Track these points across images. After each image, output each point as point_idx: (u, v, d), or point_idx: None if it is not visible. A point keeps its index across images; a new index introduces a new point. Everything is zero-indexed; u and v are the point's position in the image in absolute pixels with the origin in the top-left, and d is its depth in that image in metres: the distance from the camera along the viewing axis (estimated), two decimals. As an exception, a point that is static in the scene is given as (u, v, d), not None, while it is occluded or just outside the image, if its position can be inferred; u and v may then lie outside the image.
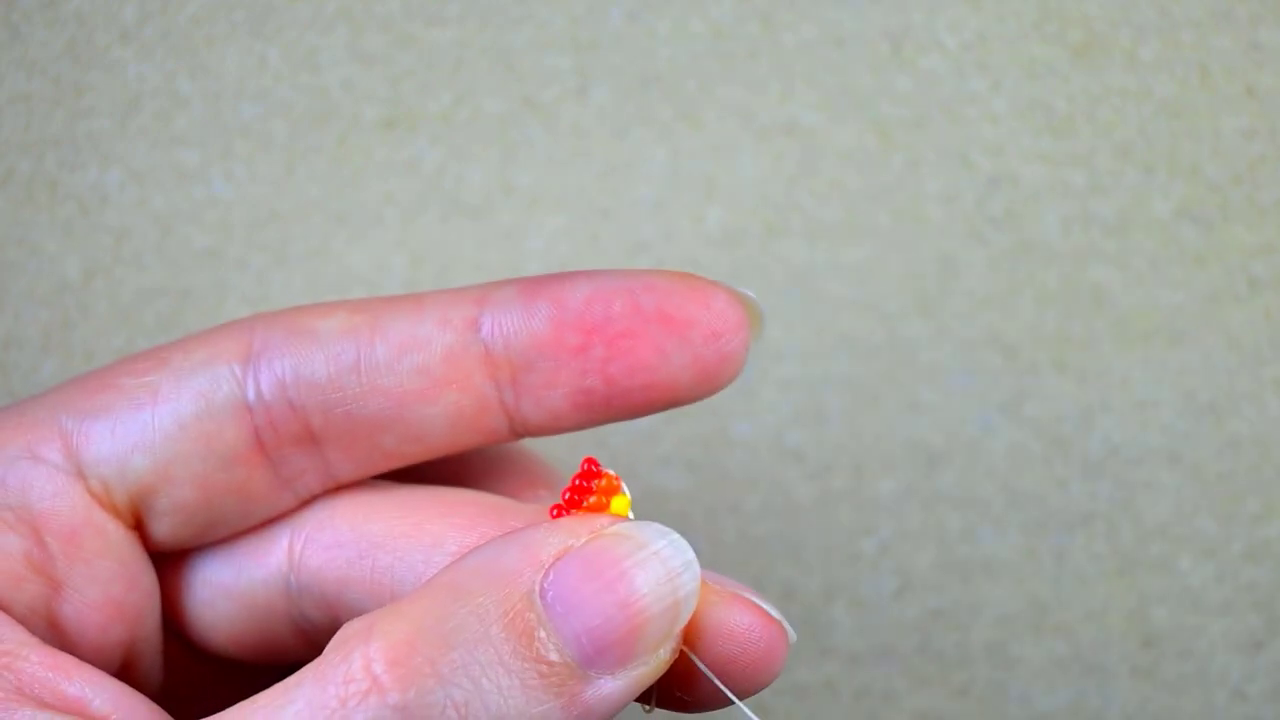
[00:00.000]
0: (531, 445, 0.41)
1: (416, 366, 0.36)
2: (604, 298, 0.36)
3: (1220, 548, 0.53)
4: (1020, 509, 0.53)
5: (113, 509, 0.36)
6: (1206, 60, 0.52)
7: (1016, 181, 0.52)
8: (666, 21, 0.52)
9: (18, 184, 0.52)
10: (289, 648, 0.38)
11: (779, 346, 0.53)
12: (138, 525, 0.37)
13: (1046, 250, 0.52)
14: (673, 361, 0.36)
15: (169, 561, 0.38)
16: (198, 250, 0.52)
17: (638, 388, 0.36)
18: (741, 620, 0.34)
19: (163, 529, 0.37)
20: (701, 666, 0.34)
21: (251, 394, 0.36)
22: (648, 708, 0.35)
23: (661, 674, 0.33)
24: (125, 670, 0.37)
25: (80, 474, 0.36)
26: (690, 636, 0.34)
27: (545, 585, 0.32)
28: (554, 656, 0.32)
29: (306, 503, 0.38)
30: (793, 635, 0.35)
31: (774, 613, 0.34)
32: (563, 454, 0.43)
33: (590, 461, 0.35)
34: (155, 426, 0.36)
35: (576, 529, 0.33)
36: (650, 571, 0.32)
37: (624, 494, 0.34)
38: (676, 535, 0.33)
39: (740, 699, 0.34)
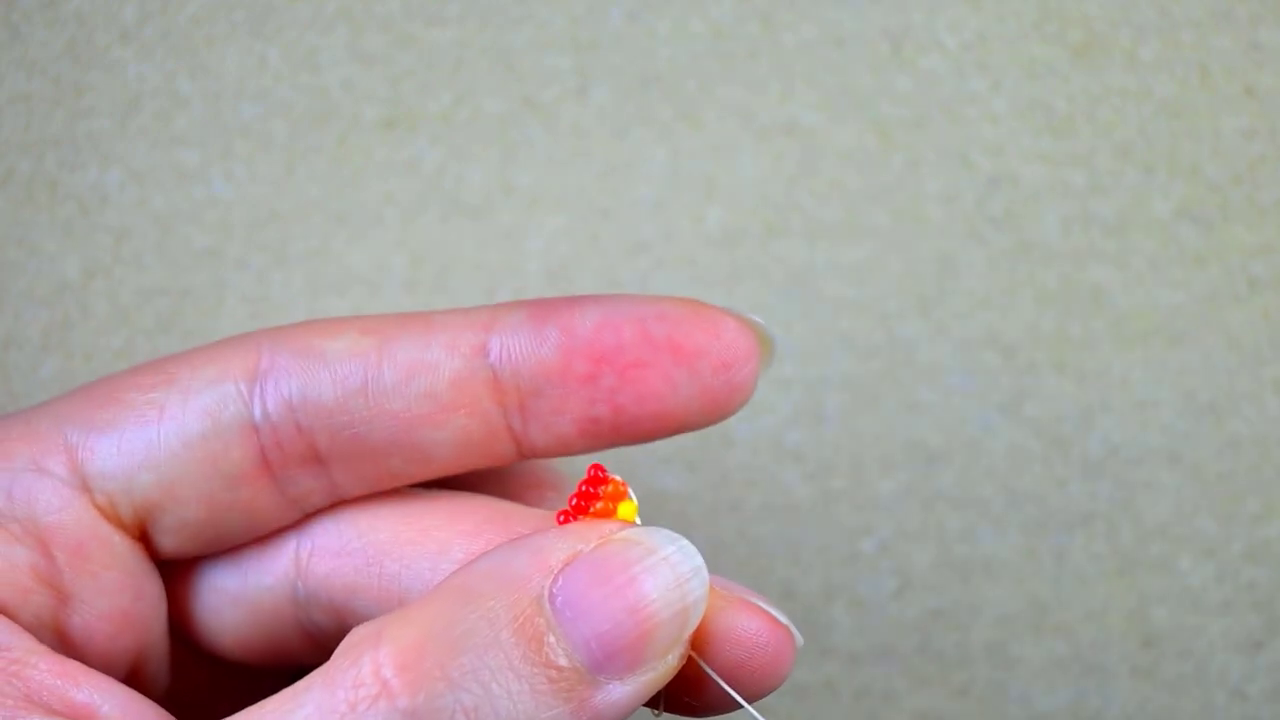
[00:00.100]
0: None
1: (424, 391, 0.36)
2: (614, 326, 0.36)
3: (1220, 548, 0.53)
4: (1020, 509, 0.53)
5: (118, 522, 0.36)
6: (1206, 60, 0.52)
7: (1016, 181, 0.52)
8: (666, 21, 0.52)
9: (18, 184, 0.52)
10: (297, 651, 0.38)
11: (778, 346, 0.53)
12: (143, 537, 0.37)
13: (1046, 250, 0.52)
14: (682, 391, 0.36)
15: (175, 568, 0.38)
16: (198, 250, 0.52)
17: (646, 417, 0.36)
18: (749, 625, 0.34)
19: (168, 542, 0.37)
20: (710, 672, 0.34)
21: (258, 414, 0.36)
22: (656, 712, 0.35)
23: (670, 679, 0.33)
24: (133, 676, 0.37)
25: (85, 487, 0.36)
26: (698, 642, 0.34)
27: (554, 590, 0.32)
28: (563, 661, 0.32)
29: (312, 514, 0.38)
30: (800, 640, 0.35)
31: (781, 618, 0.34)
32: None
33: (597, 468, 0.35)
34: (161, 444, 0.36)
35: (585, 534, 0.33)
36: (659, 577, 0.32)
37: (631, 500, 0.34)
38: (685, 541, 0.33)
39: (748, 703, 0.34)
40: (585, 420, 0.36)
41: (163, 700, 0.38)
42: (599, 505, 0.34)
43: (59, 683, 0.34)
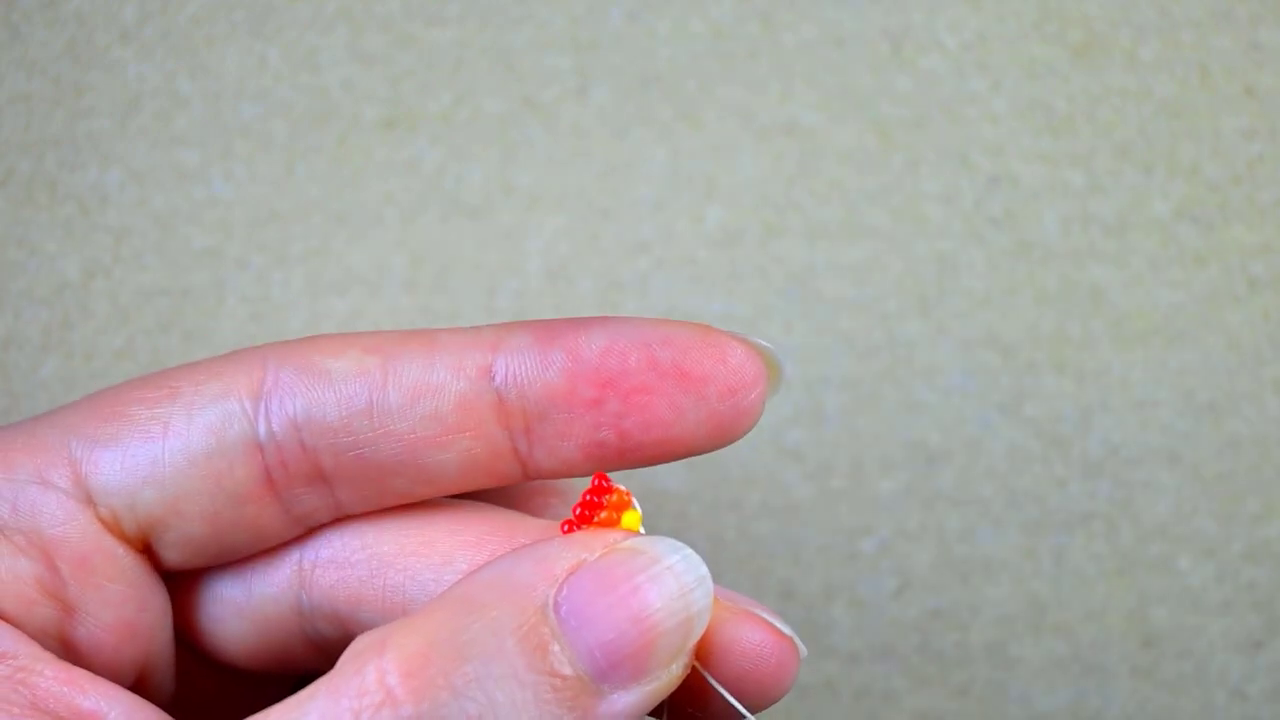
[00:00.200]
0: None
1: (429, 413, 0.36)
2: (619, 350, 0.36)
3: (1220, 548, 0.53)
4: (1019, 509, 0.53)
5: (122, 536, 0.36)
6: (1206, 60, 0.52)
7: (1016, 181, 0.52)
8: (666, 21, 0.52)
9: (18, 184, 0.52)
10: (302, 659, 0.38)
11: (778, 346, 0.53)
12: (147, 550, 0.37)
13: (1045, 250, 0.52)
14: (688, 417, 0.36)
15: (180, 578, 0.38)
16: (198, 250, 0.52)
17: (651, 442, 0.36)
18: (753, 637, 0.34)
19: (172, 556, 0.37)
20: (713, 682, 0.34)
21: (263, 432, 0.36)
22: (660, 722, 0.35)
23: (673, 689, 0.33)
24: (138, 684, 0.37)
25: (89, 501, 0.36)
26: (702, 652, 0.34)
27: (559, 599, 0.32)
28: (567, 670, 0.32)
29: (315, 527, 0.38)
30: (804, 651, 0.35)
31: (785, 629, 0.34)
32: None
33: (601, 477, 0.35)
34: (165, 461, 0.36)
35: (590, 543, 0.33)
36: (664, 587, 0.32)
37: (635, 509, 0.34)
38: (690, 550, 0.33)
39: (752, 714, 0.34)
40: (591, 445, 0.36)
41: (169, 707, 0.38)
42: (603, 514, 0.34)
43: (65, 689, 0.34)
